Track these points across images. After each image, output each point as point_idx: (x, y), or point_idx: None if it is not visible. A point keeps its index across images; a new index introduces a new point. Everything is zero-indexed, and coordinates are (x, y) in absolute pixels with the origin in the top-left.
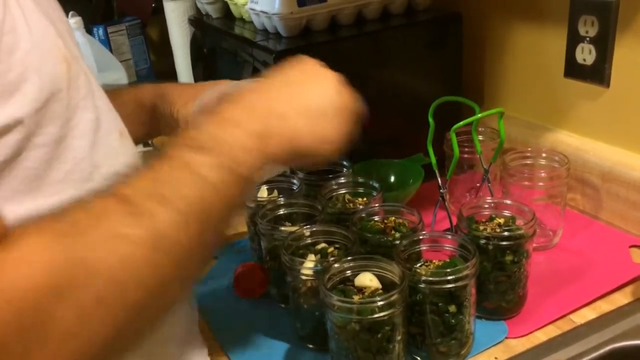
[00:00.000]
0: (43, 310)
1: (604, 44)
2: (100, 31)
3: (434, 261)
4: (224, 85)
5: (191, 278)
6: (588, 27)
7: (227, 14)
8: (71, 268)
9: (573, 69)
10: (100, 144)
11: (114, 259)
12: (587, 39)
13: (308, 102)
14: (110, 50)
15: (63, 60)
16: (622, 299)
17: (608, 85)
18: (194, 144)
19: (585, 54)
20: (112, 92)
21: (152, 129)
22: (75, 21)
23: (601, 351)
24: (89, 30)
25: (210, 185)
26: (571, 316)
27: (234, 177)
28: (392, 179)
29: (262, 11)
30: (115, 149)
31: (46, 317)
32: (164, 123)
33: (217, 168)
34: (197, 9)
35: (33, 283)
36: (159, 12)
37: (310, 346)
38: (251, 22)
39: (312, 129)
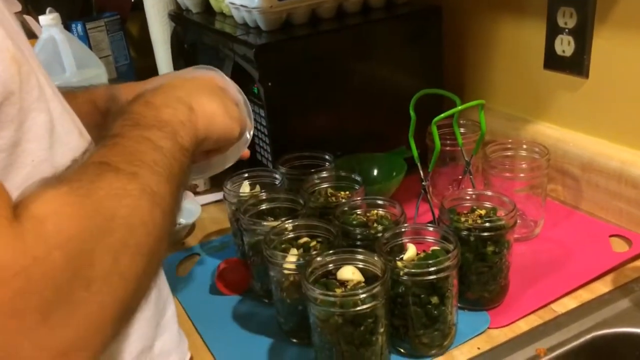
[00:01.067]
0: (89, 251)
1: (583, 35)
2: (79, 27)
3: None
4: (165, 76)
5: (171, 232)
6: (567, 19)
7: (207, 8)
8: (94, 218)
9: (552, 61)
10: (58, 145)
11: (125, 210)
12: (566, 30)
13: (209, 90)
14: (90, 47)
15: (13, 62)
16: (602, 287)
17: (587, 76)
18: (142, 123)
19: (565, 46)
20: (67, 93)
21: None
22: (52, 17)
23: (582, 339)
24: (67, 27)
25: (168, 152)
26: (552, 305)
27: (179, 147)
28: (375, 172)
29: (242, 5)
30: (76, 148)
31: (92, 257)
32: None
33: (167, 139)
34: (177, 4)
35: (73, 230)
36: (138, 8)
37: (294, 340)
38: (231, 17)
39: (224, 109)
